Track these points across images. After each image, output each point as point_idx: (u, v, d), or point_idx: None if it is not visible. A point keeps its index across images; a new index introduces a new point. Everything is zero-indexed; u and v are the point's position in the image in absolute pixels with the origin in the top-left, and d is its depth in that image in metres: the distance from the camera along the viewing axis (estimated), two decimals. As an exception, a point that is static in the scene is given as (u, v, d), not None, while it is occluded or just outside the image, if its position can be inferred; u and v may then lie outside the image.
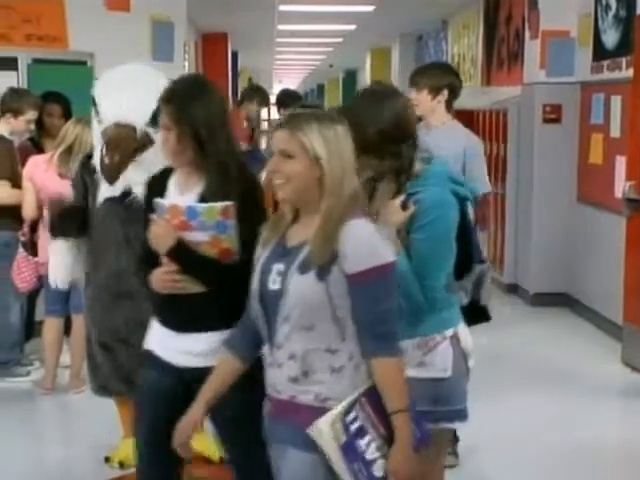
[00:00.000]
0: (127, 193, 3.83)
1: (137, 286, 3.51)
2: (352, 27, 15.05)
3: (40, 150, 5.89)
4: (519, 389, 5.81)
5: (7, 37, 8.34)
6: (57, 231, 4.14)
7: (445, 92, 4.43)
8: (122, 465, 4.32)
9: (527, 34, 8.52)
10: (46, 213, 5.17)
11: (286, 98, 7.20)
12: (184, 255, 2.90)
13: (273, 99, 8.43)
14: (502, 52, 10.67)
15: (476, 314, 3.07)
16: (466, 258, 2.92)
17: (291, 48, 19.65)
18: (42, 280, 5.55)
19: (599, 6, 7.46)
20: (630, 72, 6.54)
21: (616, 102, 7.05)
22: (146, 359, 3.13)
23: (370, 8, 12.58)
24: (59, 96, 6.21)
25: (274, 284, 2.50)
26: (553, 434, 5.03)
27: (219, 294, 2.91)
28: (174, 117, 2.90)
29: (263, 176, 4.05)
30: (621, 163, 6.78)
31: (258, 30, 15.44)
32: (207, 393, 2.67)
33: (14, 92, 5.98)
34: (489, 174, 4.76)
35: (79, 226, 4.03)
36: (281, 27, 14.92)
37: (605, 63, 7.33)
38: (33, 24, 8.35)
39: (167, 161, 3.05)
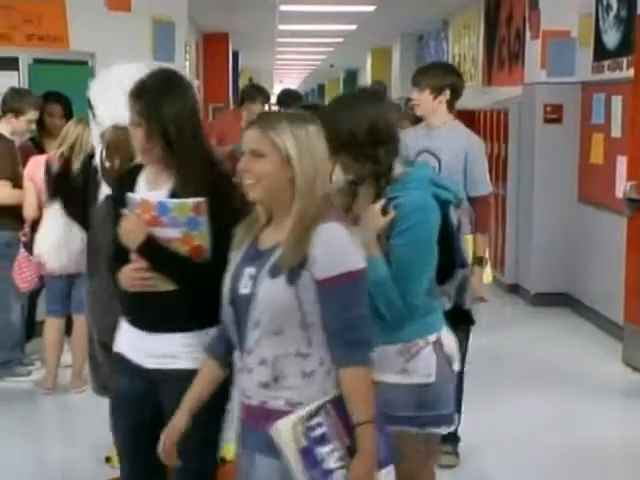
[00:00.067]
0: None
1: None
2: (353, 27, 15.05)
3: (41, 150, 5.90)
4: (520, 389, 5.81)
5: (8, 37, 8.35)
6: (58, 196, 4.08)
7: (447, 92, 4.43)
8: (123, 465, 4.32)
9: (528, 34, 8.52)
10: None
11: (287, 98, 7.20)
12: (154, 251, 2.80)
13: (274, 99, 8.44)
14: (503, 52, 10.67)
15: (460, 318, 3.03)
16: (448, 263, 2.88)
17: (292, 48, 19.64)
18: (43, 280, 5.57)
19: (600, 6, 7.46)
20: (631, 72, 6.54)
21: (617, 102, 7.05)
22: (116, 363, 3.04)
23: (371, 8, 12.58)
24: (60, 96, 6.22)
25: (245, 288, 2.45)
26: (554, 434, 5.03)
27: (190, 293, 2.82)
28: (143, 114, 2.82)
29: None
30: (622, 163, 6.78)
31: (259, 30, 15.44)
32: (190, 400, 2.64)
33: (15, 92, 5.98)
34: (490, 174, 4.76)
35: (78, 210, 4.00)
36: (282, 27, 14.92)
37: (606, 63, 7.33)
38: (34, 24, 8.36)
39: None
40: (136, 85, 2.87)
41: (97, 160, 3.91)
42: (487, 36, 11.45)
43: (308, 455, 2.39)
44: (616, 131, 7.08)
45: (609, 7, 7.30)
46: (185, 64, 9.37)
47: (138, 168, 2.99)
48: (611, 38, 7.26)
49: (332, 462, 2.40)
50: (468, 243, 4.45)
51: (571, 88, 7.90)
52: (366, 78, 21.18)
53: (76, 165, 4.75)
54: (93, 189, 3.96)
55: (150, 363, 2.89)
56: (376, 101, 2.84)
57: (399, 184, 2.77)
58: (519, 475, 4.56)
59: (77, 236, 4.80)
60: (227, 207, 2.78)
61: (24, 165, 5.60)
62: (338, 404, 2.41)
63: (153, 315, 2.87)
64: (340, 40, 17.40)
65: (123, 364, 2.99)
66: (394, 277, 2.69)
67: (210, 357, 2.65)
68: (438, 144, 4.43)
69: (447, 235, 2.83)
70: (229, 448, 4.10)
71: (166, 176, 2.87)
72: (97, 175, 3.92)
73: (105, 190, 3.89)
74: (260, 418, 2.45)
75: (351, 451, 2.40)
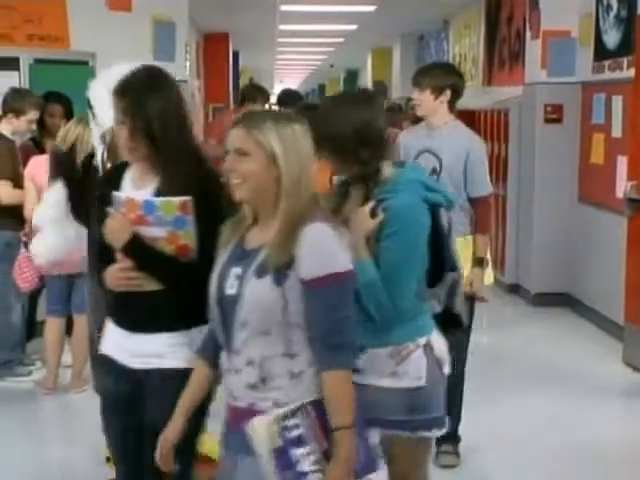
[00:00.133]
0: None
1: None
2: (353, 27, 15.05)
3: (42, 150, 5.90)
4: (520, 389, 5.81)
5: (9, 37, 8.36)
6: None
7: (448, 92, 4.42)
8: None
9: (528, 34, 8.52)
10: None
11: (287, 98, 7.21)
12: (140, 251, 2.77)
13: (274, 99, 8.43)
14: (503, 52, 10.67)
15: (449, 322, 2.99)
16: (438, 265, 2.86)
17: (292, 48, 19.64)
18: (44, 280, 5.57)
19: (600, 6, 7.46)
20: (631, 72, 6.54)
21: (617, 102, 7.05)
22: (102, 364, 3.01)
23: (371, 8, 12.58)
24: (60, 96, 6.22)
25: (231, 288, 2.43)
26: (554, 434, 5.03)
27: (176, 292, 2.79)
28: (127, 112, 2.78)
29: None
30: (622, 163, 6.78)
31: (259, 30, 15.44)
32: (184, 404, 2.62)
33: (16, 92, 5.99)
34: (490, 174, 4.76)
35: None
36: (282, 27, 14.91)
37: (606, 63, 7.33)
38: (35, 24, 8.37)
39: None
40: (120, 83, 2.84)
41: (98, 160, 3.92)
42: (488, 36, 11.45)
43: (282, 455, 2.37)
44: (616, 131, 7.08)
45: (609, 7, 7.30)
46: (186, 64, 9.38)
47: (124, 166, 2.96)
48: (611, 38, 7.26)
49: (307, 465, 2.36)
50: (468, 244, 4.46)
51: (571, 88, 7.90)
52: (367, 78, 21.18)
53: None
54: (94, 189, 3.96)
55: (135, 363, 2.86)
56: (365, 103, 2.82)
57: (389, 186, 2.75)
58: (519, 475, 4.56)
59: (71, 234, 4.80)
60: (214, 206, 2.75)
61: (25, 165, 5.61)
62: (319, 406, 2.38)
63: (138, 315, 2.84)
64: (340, 40, 17.41)
65: (109, 365, 2.96)
66: (383, 279, 2.68)
67: (201, 358, 2.64)
68: (439, 144, 4.43)
69: (437, 238, 2.81)
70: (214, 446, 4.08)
71: (152, 175, 2.84)
72: (98, 175, 3.92)
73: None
74: (247, 420, 2.41)
75: (328, 455, 2.36)
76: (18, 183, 5.60)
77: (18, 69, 8.39)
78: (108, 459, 4.42)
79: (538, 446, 4.84)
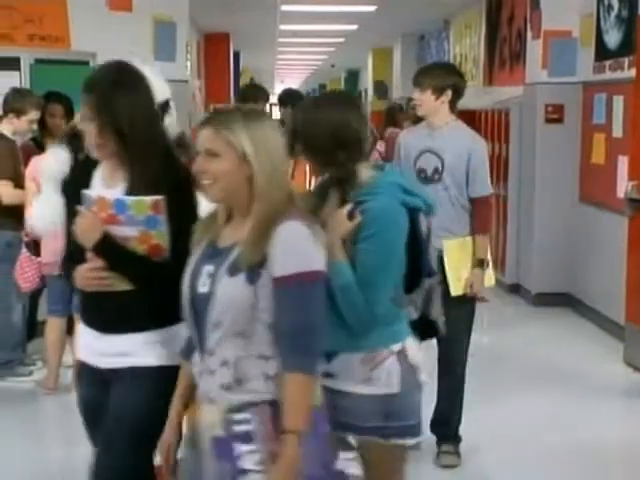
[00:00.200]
0: None
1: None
2: (354, 27, 15.04)
3: (42, 150, 5.90)
4: (521, 389, 5.81)
5: (10, 37, 8.36)
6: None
7: (449, 92, 4.42)
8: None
9: (529, 34, 8.52)
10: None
11: (288, 98, 7.19)
12: (111, 250, 2.71)
13: (275, 99, 8.43)
14: (504, 52, 10.67)
15: (426, 329, 2.93)
16: (416, 271, 2.80)
17: (293, 48, 19.64)
18: (44, 280, 5.57)
19: (601, 6, 7.46)
20: (632, 72, 6.54)
21: (618, 102, 7.05)
22: (77, 368, 2.98)
23: (372, 8, 12.58)
24: (61, 96, 6.22)
25: (203, 287, 2.39)
26: (554, 434, 5.03)
27: (148, 293, 2.74)
28: (95, 108, 2.72)
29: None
30: (623, 163, 6.78)
31: (260, 30, 15.44)
32: (177, 403, 2.60)
33: (17, 92, 5.99)
34: (491, 174, 4.76)
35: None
36: (283, 27, 14.91)
37: (607, 63, 7.33)
38: (35, 24, 8.36)
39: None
40: (87, 79, 2.80)
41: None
42: (488, 36, 11.44)
43: (223, 446, 2.33)
44: (617, 131, 7.08)
45: (610, 7, 7.30)
46: (186, 64, 9.37)
47: (94, 163, 2.89)
48: (612, 38, 7.26)
49: (250, 463, 2.32)
50: (468, 245, 4.45)
51: (572, 88, 7.90)
52: (367, 78, 21.18)
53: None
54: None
55: (105, 363, 2.82)
56: (343, 105, 2.78)
57: (367, 189, 2.72)
58: (520, 475, 4.56)
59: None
60: (186, 204, 2.72)
61: (26, 165, 5.61)
62: (277, 407, 2.33)
63: (109, 315, 2.79)
64: (341, 40, 17.40)
65: (81, 369, 2.94)
66: (359, 283, 2.63)
67: (183, 359, 2.60)
68: (441, 144, 4.42)
69: (415, 242, 2.76)
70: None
71: (122, 173, 2.79)
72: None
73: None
74: None
75: (275, 458, 2.30)
76: (19, 183, 5.60)
77: (19, 69, 8.39)
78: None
79: (538, 446, 4.84)
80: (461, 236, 4.43)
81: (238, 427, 2.34)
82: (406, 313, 2.84)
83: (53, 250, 4.94)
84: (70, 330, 5.65)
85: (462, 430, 4.61)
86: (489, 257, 4.56)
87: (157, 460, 2.72)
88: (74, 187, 2.86)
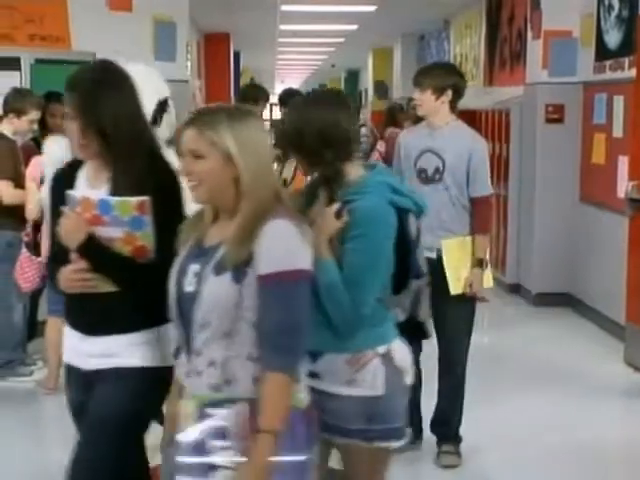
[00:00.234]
0: None
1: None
2: (354, 27, 15.04)
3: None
4: (521, 389, 5.81)
5: (10, 37, 8.37)
6: None
7: (449, 92, 4.42)
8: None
9: (529, 34, 8.52)
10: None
11: (288, 97, 7.19)
12: (95, 252, 2.68)
13: (275, 99, 8.43)
14: (504, 52, 10.67)
15: (414, 331, 2.89)
16: (404, 272, 2.77)
17: (293, 48, 19.64)
18: (45, 280, 5.56)
19: (602, 6, 7.45)
20: (633, 72, 6.54)
21: (619, 102, 7.05)
22: (65, 371, 2.96)
23: (372, 8, 12.58)
24: (62, 96, 6.16)
25: (189, 286, 2.36)
26: (555, 434, 5.03)
27: (132, 294, 2.72)
28: (77, 107, 2.70)
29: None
30: (623, 163, 6.78)
31: (260, 30, 15.45)
32: (169, 409, 2.57)
33: (17, 92, 5.99)
34: (491, 174, 4.76)
35: None
36: (283, 27, 14.91)
37: (608, 63, 7.33)
38: (36, 24, 8.37)
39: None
40: (71, 78, 2.77)
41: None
42: (488, 36, 11.44)
43: (194, 440, 2.31)
44: (618, 131, 7.08)
45: (611, 7, 7.30)
46: (186, 64, 9.38)
47: (78, 163, 2.86)
48: (613, 38, 7.26)
49: (221, 460, 2.30)
50: (467, 244, 4.45)
51: (573, 88, 7.90)
52: (367, 78, 21.19)
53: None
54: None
55: (90, 364, 2.79)
56: (331, 104, 2.76)
57: (355, 188, 2.70)
58: (520, 475, 4.56)
59: None
60: (172, 204, 2.68)
61: (26, 165, 5.61)
62: (256, 406, 2.29)
63: (94, 317, 2.76)
64: (341, 40, 17.41)
65: (68, 373, 2.92)
66: (346, 282, 2.60)
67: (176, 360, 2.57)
68: (441, 144, 4.42)
69: (403, 243, 2.73)
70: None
71: (106, 173, 2.75)
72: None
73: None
74: None
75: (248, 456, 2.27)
76: (19, 183, 5.60)
77: (19, 69, 8.39)
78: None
79: (538, 446, 4.84)
80: (461, 235, 4.43)
81: (213, 422, 2.31)
82: (393, 314, 2.80)
83: None
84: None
85: (462, 430, 4.61)
86: (487, 257, 4.55)
87: (154, 460, 2.72)
88: (58, 188, 2.83)
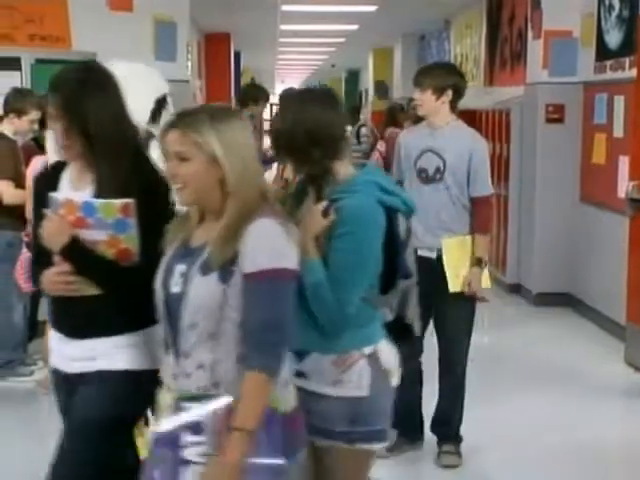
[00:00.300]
0: None
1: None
2: (354, 27, 15.04)
3: (43, 150, 5.89)
4: (521, 389, 5.81)
5: (10, 37, 8.37)
6: None
7: (449, 92, 4.42)
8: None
9: (530, 34, 8.52)
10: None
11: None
12: (78, 254, 2.65)
13: (275, 99, 8.43)
14: (505, 52, 10.67)
15: (401, 332, 2.85)
16: (392, 272, 2.73)
17: (293, 48, 19.64)
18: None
19: (602, 6, 7.45)
20: (633, 72, 6.54)
21: (619, 102, 7.05)
22: (51, 375, 2.93)
23: (372, 8, 12.58)
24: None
25: (176, 286, 2.35)
26: (555, 434, 5.03)
27: (116, 297, 2.69)
28: (60, 108, 2.66)
29: (267, 175, 4.04)
30: (624, 163, 6.78)
31: (260, 30, 15.45)
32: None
33: (17, 92, 5.99)
34: (492, 174, 4.76)
35: None
36: (283, 27, 14.91)
37: (608, 63, 7.33)
38: (36, 24, 8.38)
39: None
40: (54, 78, 2.73)
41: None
42: (489, 36, 11.44)
43: (169, 433, 2.31)
44: (618, 131, 7.08)
45: (611, 7, 7.29)
46: (187, 64, 9.38)
47: (62, 165, 2.83)
48: (613, 38, 7.26)
49: (193, 455, 2.29)
50: (467, 244, 4.45)
51: (573, 88, 7.90)
52: (368, 78, 21.19)
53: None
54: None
55: (74, 368, 2.77)
56: (320, 102, 2.74)
57: (343, 186, 2.68)
58: (520, 475, 4.56)
59: None
60: (158, 206, 2.65)
61: (27, 165, 5.60)
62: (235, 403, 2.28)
63: (77, 320, 2.73)
64: (342, 40, 17.41)
65: (54, 377, 2.90)
66: (332, 281, 2.58)
67: None
68: (442, 144, 4.42)
69: (392, 242, 2.70)
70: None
71: (90, 175, 2.72)
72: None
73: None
74: None
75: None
76: (20, 183, 5.60)
77: (20, 69, 8.40)
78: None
79: (538, 446, 4.84)
80: (461, 235, 4.43)
81: (189, 417, 2.30)
82: (381, 315, 2.78)
83: None
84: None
85: (462, 430, 4.61)
86: (486, 258, 4.55)
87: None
88: (41, 189, 2.80)
